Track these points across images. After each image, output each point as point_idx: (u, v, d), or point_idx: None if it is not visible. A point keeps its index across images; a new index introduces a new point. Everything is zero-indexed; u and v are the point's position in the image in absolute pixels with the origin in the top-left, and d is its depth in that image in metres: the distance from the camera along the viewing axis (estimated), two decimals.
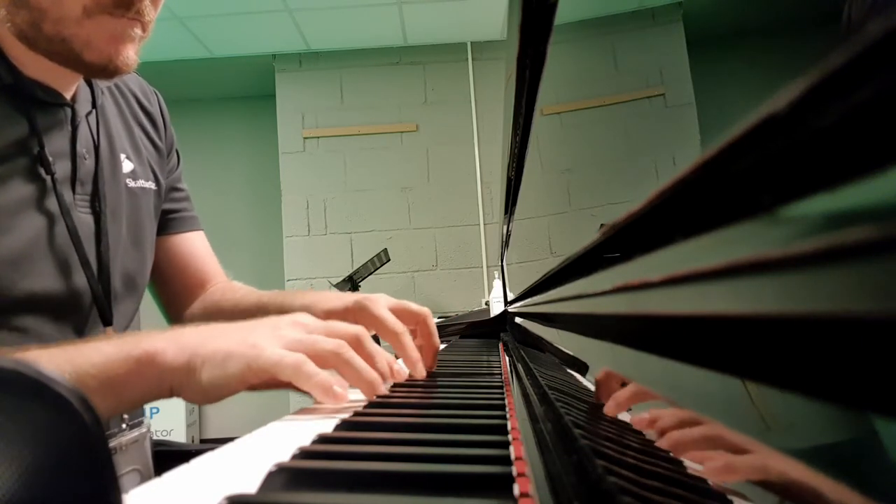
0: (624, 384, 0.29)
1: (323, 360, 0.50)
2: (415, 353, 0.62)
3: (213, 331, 0.53)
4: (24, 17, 0.59)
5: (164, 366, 0.49)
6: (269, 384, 0.57)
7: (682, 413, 0.22)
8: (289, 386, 0.58)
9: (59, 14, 0.58)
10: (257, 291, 0.87)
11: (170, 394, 0.50)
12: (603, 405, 0.32)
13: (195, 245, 0.92)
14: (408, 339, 0.62)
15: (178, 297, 0.90)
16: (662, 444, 0.23)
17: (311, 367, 0.49)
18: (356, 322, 0.58)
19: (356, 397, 0.56)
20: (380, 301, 0.64)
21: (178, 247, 0.89)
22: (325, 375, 0.49)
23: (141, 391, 0.50)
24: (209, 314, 0.86)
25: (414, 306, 0.64)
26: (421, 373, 0.61)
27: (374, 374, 0.52)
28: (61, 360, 0.48)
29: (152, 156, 0.84)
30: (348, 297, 0.69)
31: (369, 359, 0.53)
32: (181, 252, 0.90)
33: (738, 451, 0.17)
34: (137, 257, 0.77)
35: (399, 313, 0.65)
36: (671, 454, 0.22)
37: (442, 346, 1.33)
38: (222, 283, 0.93)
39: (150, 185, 0.81)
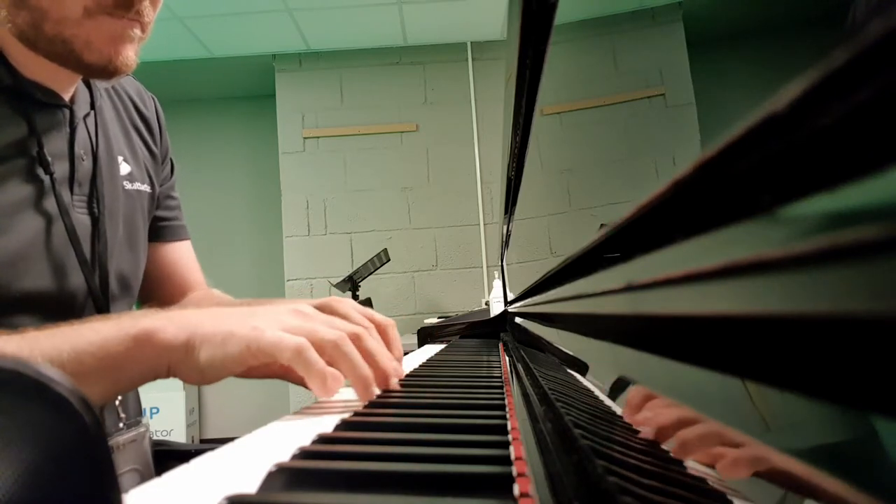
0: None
1: (321, 349, 0.50)
2: (384, 350, 0.62)
3: (213, 312, 0.52)
4: (25, 18, 0.59)
5: (163, 344, 0.49)
6: (266, 369, 0.57)
7: (677, 410, 0.22)
8: (284, 374, 0.58)
9: (59, 15, 0.58)
10: (235, 301, 0.88)
11: (167, 373, 0.50)
12: (603, 406, 0.32)
13: (182, 254, 0.93)
14: (375, 336, 0.62)
15: (160, 304, 0.91)
16: (652, 435, 0.23)
17: (312, 353, 0.49)
18: None
19: (355, 396, 0.56)
20: (346, 302, 0.64)
21: (165, 255, 0.91)
22: (325, 365, 0.49)
23: (139, 370, 0.49)
24: None
25: (379, 316, 0.64)
26: (396, 369, 0.59)
27: (368, 371, 0.51)
28: (59, 341, 0.48)
29: (148, 160, 0.84)
30: (316, 300, 0.69)
31: (368, 356, 0.53)
32: (168, 261, 0.91)
33: (734, 446, 0.17)
34: (132, 258, 0.78)
35: (364, 317, 0.65)
36: (670, 453, 0.22)
37: (442, 346, 1.33)
38: (203, 290, 0.94)
39: (146, 188, 0.82)
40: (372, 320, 0.63)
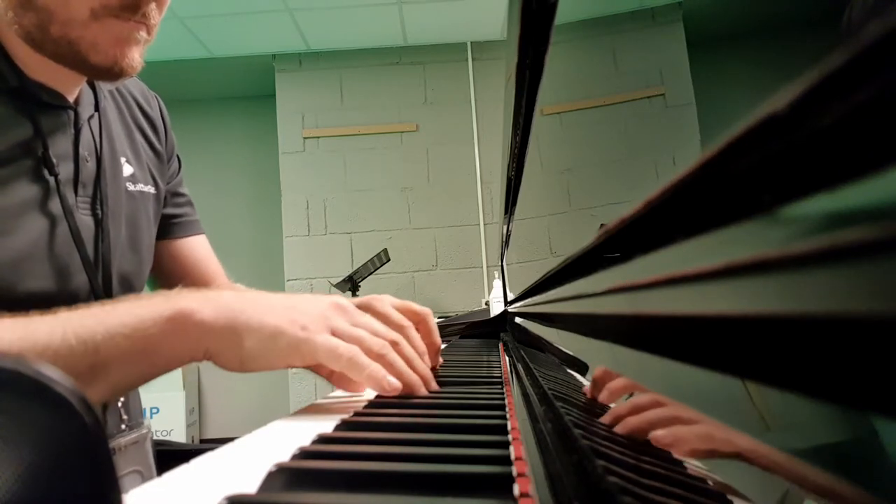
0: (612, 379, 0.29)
1: (367, 355, 0.51)
2: (421, 346, 0.63)
3: (253, 299, 0.52)
4: (31, 20, 0.59)
5: (202, 326, 0.48)
6: (306, 366, 0.57)
7: (647, 398, 0.22)
8: (319, 369, 0.58)
9: (66, 16, 0.58)
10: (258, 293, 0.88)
11: (204, 356, 0.49)
12: (600, 403, 0.32)
13: (197, 249, 0.93)
14: (414, 333, 0.63)
15: None
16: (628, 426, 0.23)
17: (364, 358, 0.50)
18: None
19: (357, 397, 0.56)
20: (384, 299, 0.65)
21: (180, 251, 0.90)
22: (378, 367, 0.50)
23: (177, 352, 0.48)
24: None
25: (416, 306, 0.65)
26: (427, 364, 0.61)
27: (414, 377, 0.52)
28: (92, 322, 0.47)
29: (152, 160, 0.84)
30: (355, 300, 0.70)
31: (409, 361, 0.53)
32: (184, 256, 0.91)
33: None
34: (135, 260, 0.78)
35: (403, 311, 0.65)
36: (658, 444, 0.22)
37: (442, 346, 1.33)
38: (224, 284, 0.94)
39: (150, 189, 0.82)
40: (410, 312, 0.63)
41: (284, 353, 0.49)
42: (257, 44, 3.57)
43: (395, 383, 0.49)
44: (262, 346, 0.49)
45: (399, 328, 0.62)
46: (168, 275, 0.88)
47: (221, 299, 0.50)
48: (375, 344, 0.52)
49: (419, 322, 0.65)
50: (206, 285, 0.91)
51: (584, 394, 0.38)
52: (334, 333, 0.51)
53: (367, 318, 0.56)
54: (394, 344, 0.54)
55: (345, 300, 0.57)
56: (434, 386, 0.55)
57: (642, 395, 0.26)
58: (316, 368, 0.58)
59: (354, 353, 0.49)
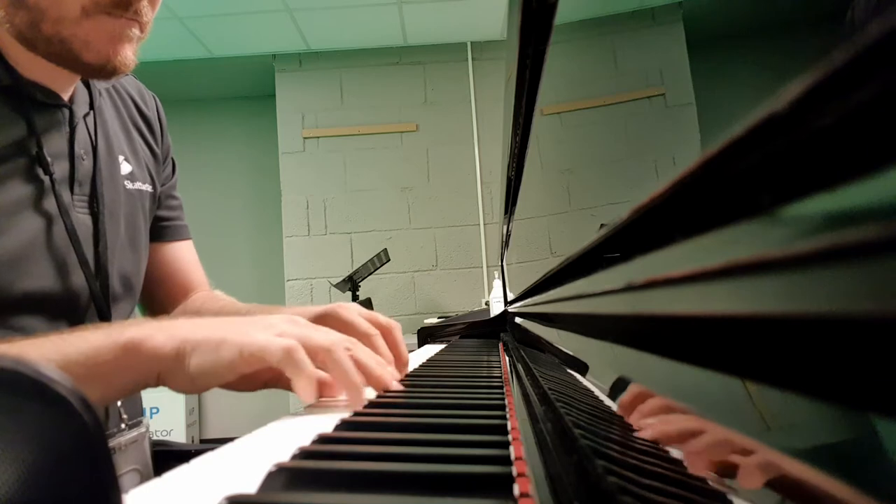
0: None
1: (313, 355, 0.50)
2: (388, 354, 0.62)
3: (206, 321, 0.52)
4: (23, 18, 0.59)
5: (152, 352, 0.49)
6: (257, 378, 0.57)
7: (680, 418, 0.22)
8: (276, 381, 0.58)
9: (57, 14, 0.58)
10: (238, 303, 0.89)
11: (157, 382, 0.50)
12: (601, 405, 0.32)
13: (183, 254, 0.93)
14: (380, 341, 0.62)
15: (161, 304, 0.91)
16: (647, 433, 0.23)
17: (302, 354, 0.49)
18: (328, 327, 0.58)
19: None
20: (351, 308, 0.64)
21: (167, 255, 0.90)
22: (315, 369, 0.49)
23: (128, 378, 0.49)
24: None
25: (383, 318, 0.64)
26: (392, 376, 0.58)
27: (358, 379, 0.51)
28: (48, 349, 0.48)
29: (149, 159, 0.84)
30: (321, 307, 0.69)
31: (359, 365, 0.52)
32: (169, 260, 0.91)
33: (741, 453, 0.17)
34: (134, 258, 0.78)
35: (369, 322, 0.65)
36: (662, 446, 0.22)
37: (442, 346, 1.33)
38: (205, 292, 0.93)
39: (147, 187, 0.82)
40: (376, 323, 0.63)
41: (229, 361, 0.49)
42: (257, 44, 3.56)
43: (325, 392, 0.48)
44: (208, 359, 0.49)
45: (364, 336, 0.62)
46: (151, 279, 0.87)
47: (173, 326, 0.51)
48: (322, 340, 0.51)
49: (385, 334, 0.65)
50: (187, 292, 0.92)
51: (586, 393, 0.38)
52: (281, 336, 0.50)
53: (320, 327, 0.55)
54: (347, 347, 0.52)
55: (301, 318, 0.56)
56: (396, 386, 0.54)
57: (650, 401, 0.26)
58: (278, 382, 0.57)
59: (292, 347, 0.48)
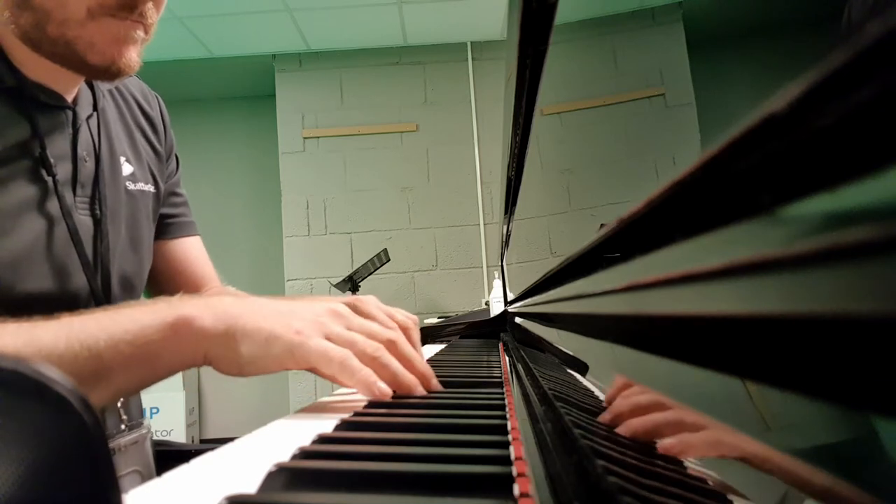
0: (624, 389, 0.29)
1: (361, 358, 0.51)
2: (417, 346, 0.62)
3: (252, 305, 0.52)
4: (28, 19, 0.59)
5: (202, 332, 0.49)
6: (300, 369, 0.57)
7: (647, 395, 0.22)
8: (319, 373, 0.58)
9: (63, 16, 0.58)
10: (249, 296, 0.88)
11: (203, 361, 0.50)
12: (600, 404, 0.32)
13: (192, 250, 0.92)
14: (407, 348, 0.62)
15: None
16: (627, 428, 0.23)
17: (355, 362, 0.50)
18: None
19: (357, 397, 0.56)
20: (370, 302, 0.64)
21: (174, 251, 0.90)
22: (369, 371, 0.50)
23: (177, 357, 0.49)
24: None
25: (400, 315, 0.64)
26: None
27: (411, 378, 0.52)
28: (95, 328, 0.48)
29: (152, 159, 0.84)
30: (339, 298, 0.69)
31: (407, 362, 0.53)
32: (178, 257, 0.90)
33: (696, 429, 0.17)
34: (135, 260, 0.77)
35: (387, 317, 0.65)
36: (656, 444, 0.22)
37: (442, 346, 1.33)
38: (217, 287, 0.93)
39: (149, 188, 0.81)
40: (394, 320, 0.63)
41: (279, 358, 0.49)
42: (257, 44, 3.57)
43: (384, 389, 0.49)
44: (258, 350, 0.49)
45: (389, 343, 0.62)
46: (160, 275, 0.88)
47: (221, 305, 0.51)
48: (369, 347, 0.52)
49: (403, 333, 0.64)
50: (197, 288, 0.91)
51: (586, 393, 0.38)
52: (328, 338, 0.51)
53: (363, 321, 0.55)
54: (391, 343, 0.53)
55: (341, 306, 0.56)
56: (436, 384, 0.55)
57: (643, 395, 0.26)
58: (315, 370, 0.58)
59: (346, 356, 0.49)
